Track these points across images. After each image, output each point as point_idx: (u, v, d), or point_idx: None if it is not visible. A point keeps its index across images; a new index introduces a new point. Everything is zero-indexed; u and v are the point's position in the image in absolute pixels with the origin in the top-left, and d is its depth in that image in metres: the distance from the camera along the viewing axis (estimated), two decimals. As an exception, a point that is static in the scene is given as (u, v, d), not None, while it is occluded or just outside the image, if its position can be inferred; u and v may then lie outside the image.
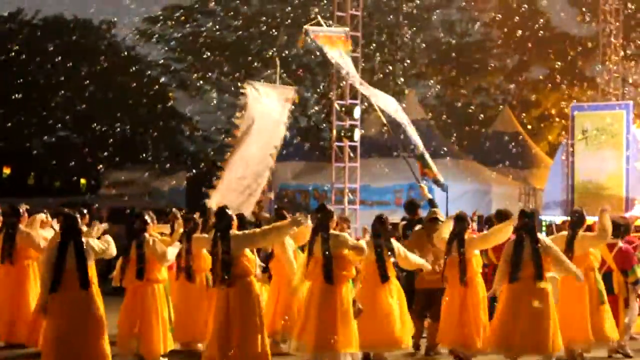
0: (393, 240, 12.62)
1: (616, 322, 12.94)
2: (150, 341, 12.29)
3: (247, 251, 11.15)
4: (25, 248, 14.06)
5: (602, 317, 12.60)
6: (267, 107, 17.08)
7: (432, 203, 15.42)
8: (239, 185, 16.60)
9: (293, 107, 18.13)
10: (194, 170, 30.45)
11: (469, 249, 12.59)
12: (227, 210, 11.24)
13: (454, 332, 12.52)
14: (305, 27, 18.77)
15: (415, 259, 12.74)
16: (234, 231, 11.13)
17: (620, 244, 13.12)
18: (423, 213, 15.31)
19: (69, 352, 10.47)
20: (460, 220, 12.82)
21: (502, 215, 13.37)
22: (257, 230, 11.52)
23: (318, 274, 11.63)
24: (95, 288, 10.86)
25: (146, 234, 12.39)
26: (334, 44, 19.15)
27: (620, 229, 13.51)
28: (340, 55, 19.02)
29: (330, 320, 11.47)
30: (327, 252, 11.56)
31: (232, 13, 42.48)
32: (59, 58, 40.33)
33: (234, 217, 11.29)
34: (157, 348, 12.31)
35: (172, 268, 13.55)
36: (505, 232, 12.51)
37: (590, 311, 12.47)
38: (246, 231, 11.41)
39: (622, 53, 29.45)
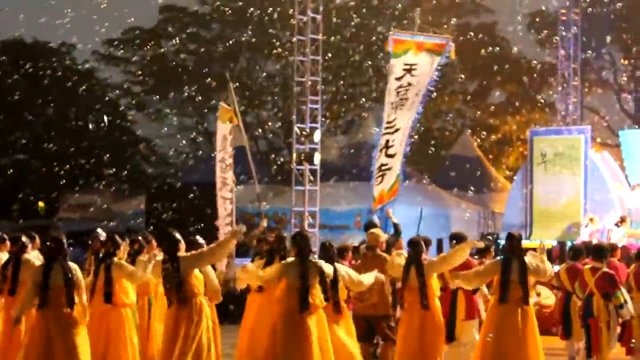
0: (341, 266, 11.78)
1: (594, 345, 12.97)
2: None
3: (196, 271, 11.25)
4: None
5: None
6: None
7: (396, 228, 15.20)
8: None
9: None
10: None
11: (429, 273, 12.30)
12: (173, 233, 11.34)
13: (415, 356, 12.28)
14: (390, 33, 17.55)
15: (366, 279, 11.98)
16: (182, 253, 11.21)
17: (605, 268, 13.14)
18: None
19: None
20: (415, 245, 12.52)
21: (457, 237, 13.23)
22: (204, 249, 11.47)
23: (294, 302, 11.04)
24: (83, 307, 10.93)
25: (115, 258, 12.32)
26: (421, 49, 18.08)
27: (605, 253, 13.58)
28: None
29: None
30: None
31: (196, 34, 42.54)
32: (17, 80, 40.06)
33: (181, 240, 11.36)
34: None
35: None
36: (464, 253, 12.46)
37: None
38: (193, 252, 11.39)
39: (579, 78, 29.70)
